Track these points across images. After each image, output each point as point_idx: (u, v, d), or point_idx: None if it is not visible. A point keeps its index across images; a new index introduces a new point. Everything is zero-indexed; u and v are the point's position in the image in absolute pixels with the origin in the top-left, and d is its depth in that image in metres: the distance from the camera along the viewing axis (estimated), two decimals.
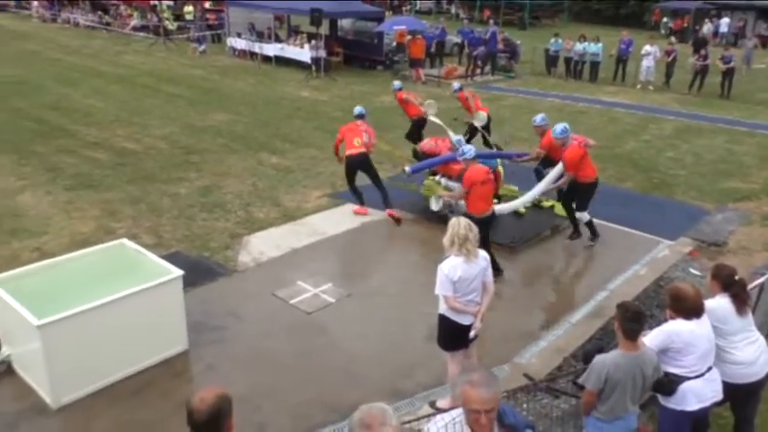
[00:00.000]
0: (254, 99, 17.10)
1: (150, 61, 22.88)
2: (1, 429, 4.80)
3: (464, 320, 4.78)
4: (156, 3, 28.96)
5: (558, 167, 8.17)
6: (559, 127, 8.24)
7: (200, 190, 9.99)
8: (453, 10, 44.96)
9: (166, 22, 28.70)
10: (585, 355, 5.17)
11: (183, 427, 2.61)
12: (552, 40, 22.52)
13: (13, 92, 16.48)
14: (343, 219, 9.06)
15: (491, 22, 27.92)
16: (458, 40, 24.32)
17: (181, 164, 11.22)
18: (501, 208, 8.17)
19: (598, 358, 3.78)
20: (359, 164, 8.93)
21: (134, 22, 30.57)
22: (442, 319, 4.86)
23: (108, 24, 31.21)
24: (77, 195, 9.56)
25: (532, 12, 40.34)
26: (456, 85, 12.39)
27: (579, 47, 21.49)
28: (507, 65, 22.79)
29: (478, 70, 21.98)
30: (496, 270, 6.89)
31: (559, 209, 8.82)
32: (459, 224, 4.67)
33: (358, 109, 9.44)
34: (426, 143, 9.63)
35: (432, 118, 10.98)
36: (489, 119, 11.73)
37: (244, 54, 23.91)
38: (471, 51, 21.85)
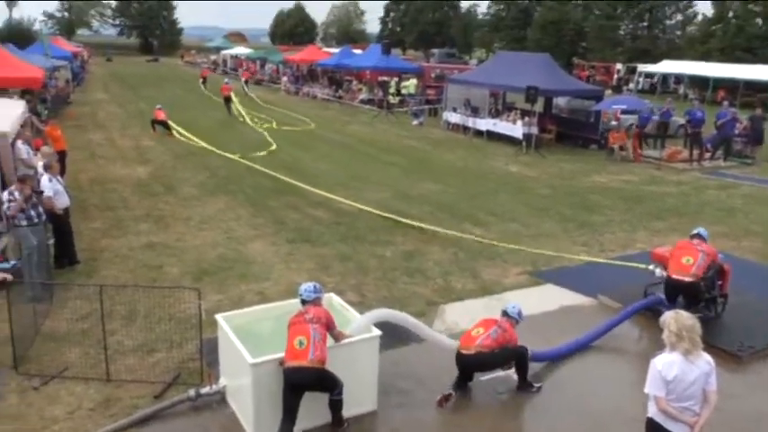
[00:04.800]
0: (463, 171, 17.56)
1: (372, 131, 24.90)
2: None
3: (676, 430, 4.23)
4: (387, 79, 31.76)
5: None
6: None
7: (404, 254, 10.38)
8: (682, 90, 42.24)
9: (390, 97, 31.20)
10: None
11: None
12: None
13: (257, 152, 18.98)
14: (542, 299, 8.72)
15: (725, 103, 25.60)
16: (683, 121, 22.65)
17: (390, 228, 11.80)
18: None
19: None
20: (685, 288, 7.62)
21: (362, 95, 33.76)
22: (650, 425, 4.35)
23: (340, 97, 34.89)
24: (297, 248, 10.55)
25: None
26: None
27: None
28: (744, 150, 20.57)
29: (708, 154, 20.13)
30: (527, 385, 6.23)
31: None
32: (681, 315, 4.24)
33: None
34: (661, 249, 8.75)
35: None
36: None
37: (457, 128, 24.88)
38: (693, 132, 20.11)
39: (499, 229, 12.04)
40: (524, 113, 22.10)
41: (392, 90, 32.49)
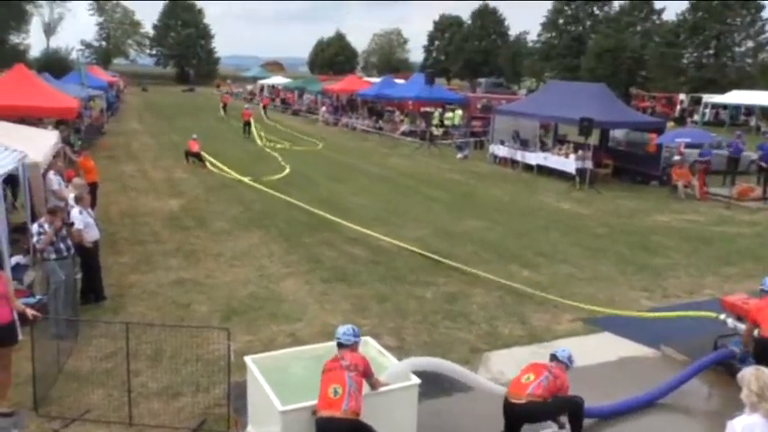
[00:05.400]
0: (510, 207, 17.43)
1: (413, 164, 25.05)
2: None
3: None
4: (430, 110, 32.07)
5: None
6: None
7: (446, 296, 10.29)
8: (753, 122, 41.29)
9: (433, 128, 31.43)
10: None
11: None
12: None
13: (293, 184, 19.30)
14: (598, 349, 8.48)
15: None
16: (755, 156, 22.09)
17: (431, 267, 11.75)
18: None
19: None
20: None
21: (404, 127, 34.12)
22: None
23: (380, 129, 35.33)
24: (332, 287, 10.57)
25: None
26: None
27: None
28: None
29: None
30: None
31: None
32: (764, 372, 4.05)
33: None
34: (733, 297, 8.36)
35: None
36: None
37: (505, 161, 24.81)
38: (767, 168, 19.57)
39: (550, 270, 11.84)
40: (578, 147, 21.92)
41: (435, 121, 32.75)
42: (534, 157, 23.22)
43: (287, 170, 21.93)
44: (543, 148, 23.93)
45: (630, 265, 12.32)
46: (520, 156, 23.84)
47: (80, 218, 9.40)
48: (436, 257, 12.16)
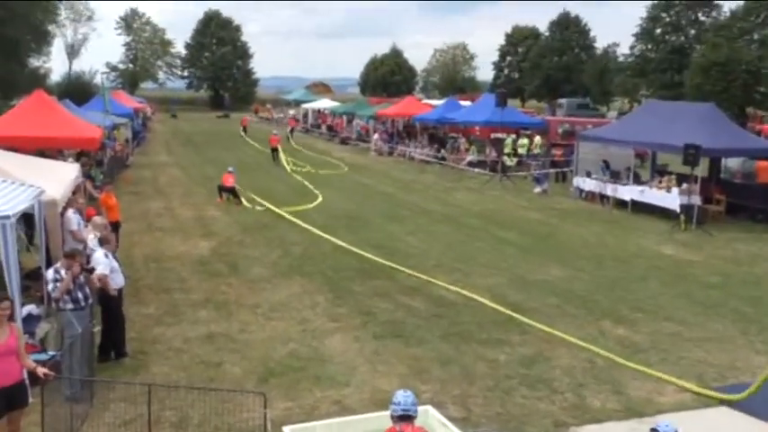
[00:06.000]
0: (600, 252, 17.11)
1: (482, 200, 24.98)
2: None
3: None
4: (501, 136, 32.05)
5: None
6: None
7: (523, 359, 10.12)
8: None
9: (505, 158, 31.35)
10: None
11: None
12: None
13: (342, 225, 19.49)
14: (715, 426, 8.12)
15: None
16: None
17: (503, 323, 11.59)
18: None
19: None
20: None
21: (470, 156, 34.16)
22: None
23: (443, 158, 35.47)
24: (385, 346, 10.53)
25: None
26: None
27: None
28: None
29: None
30: None
31: None
32: None
33: None
34: None
35: None
36: None
37: (592, 196, 24.47)
38: None
39: (650, 329, 11.52)
40: (682, 179, 21.44)
41: (508, 150, 32.70)
42: (628, 192, 22.80)
43: (332, 208, 22.18)
44: (639, 180, 23.49)
45: (754, 324, 11.86)
46: (610, 190, 23.45)
47: (105, 262, 9.71)
48: (510, 312, 11.99)
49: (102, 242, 10.17)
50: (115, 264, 9.97)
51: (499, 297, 12.97)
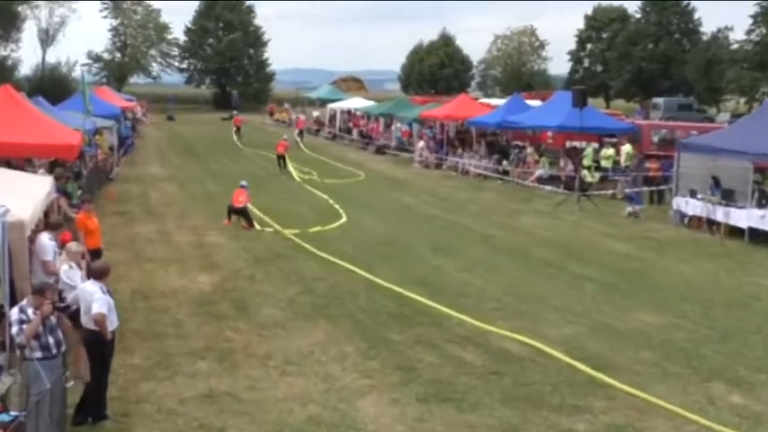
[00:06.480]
0: (707, 293, 16.86)
1: (556, 226, 24.85)
2: None
3: None
4: (580, 145, 31.83)
5: None
6: None
7: (609, 429, 9.99)
8: None
9: (585, 172, 31.11)
10: None
11: None
12: None
13: (378, 257, 19.51)
14: None
15: None
16: None
17: (583, 384, 11.47)
18: None
19: None
20: None
21: (540, 170, 34.01)
22: None
23: (505, 173, 35.37)
24: (430, 411, 10.46)
25: None
26: None
27: None
28: None
29: None
30: None
31: None
32: None
33: None
34: None
35: None
36: None
37: (698, 222, 24.18)
38: None
39: None
40: None
41: (588, 162, 32.47)
42: (745, 217, 22.49)
43: (364, 234, 22.23)
44: (760, 202, 23.11)
45: None
46: (721, 214, 23.13)
47: (103, 298, 9.77)
48: (591, 370, 11.87)
49: (98, 275, 10.20)
50: (112, 301, 10.04)
51: (577, 350, 12.84)
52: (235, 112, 67.76)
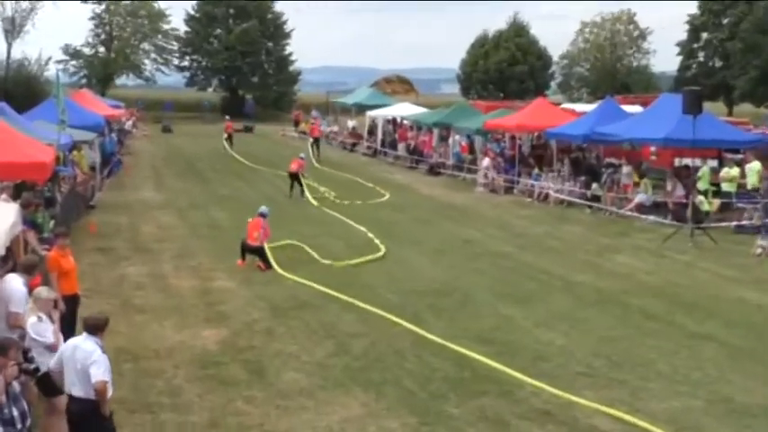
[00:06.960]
0: None
1: (662, 268, 24.63)
2: None
3: None
4: (693, 162, 31.49)
5: None
6: None
7: None
8: None
9: (700, 198, 30.78)
10: None
11: None
12: None
13: (430, 306, 19.50)
14: None
15: None
16: None
17: None
18: None
19: None
20: None
21: (640, 195, 33.68)
22: None
23: (595, 199, 35.14)
24: None
25: None
26: None
27: None
28: None
29: None
30: None
31: None
32: None
33: None
34: None
35: None
36: None
37: None
38: None
39: None
40: None
41: (705, 185, 32.16)
42: None
43: (412, 277, 22.20)
44: None
45: None
46: None
47: (105, 361, 9.84)
48: None
49: (94, 329, 10.25)
50: (108, 363, 10.10)
51: (690, 431, 12.64)
52: (227, 117, 68.82)
